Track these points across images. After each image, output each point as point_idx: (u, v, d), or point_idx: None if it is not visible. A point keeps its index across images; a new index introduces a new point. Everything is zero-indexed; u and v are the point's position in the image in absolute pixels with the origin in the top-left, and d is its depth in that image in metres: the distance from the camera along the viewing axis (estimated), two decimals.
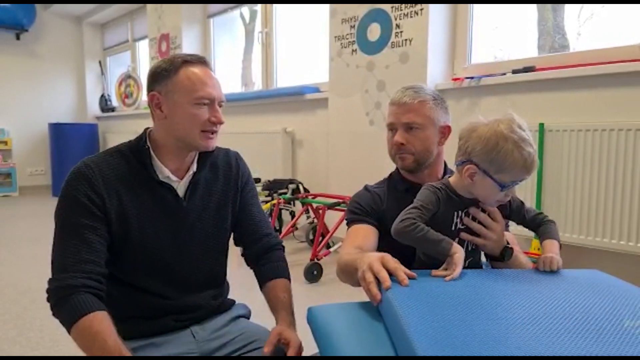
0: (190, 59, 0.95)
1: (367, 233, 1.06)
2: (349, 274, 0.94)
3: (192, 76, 0.93)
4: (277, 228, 3.24)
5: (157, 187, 0.96)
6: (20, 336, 1.81)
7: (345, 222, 1.16)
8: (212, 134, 0.96)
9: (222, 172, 1.06)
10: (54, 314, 0.86)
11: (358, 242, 1.04)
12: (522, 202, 0.98)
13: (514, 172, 0.83)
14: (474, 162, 0.86)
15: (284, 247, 1.12)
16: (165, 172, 0.96)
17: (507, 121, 0.84)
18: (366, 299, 0.89)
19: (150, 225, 0.95)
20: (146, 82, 0.97)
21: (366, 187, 1.17)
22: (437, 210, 0.90)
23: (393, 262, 0.81)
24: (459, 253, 0.83)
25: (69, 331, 0.84)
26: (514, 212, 0.96)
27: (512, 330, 0.63)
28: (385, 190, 1.14)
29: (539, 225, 0.95)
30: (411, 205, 0.90)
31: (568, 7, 2.35)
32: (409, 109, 1.06)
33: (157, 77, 0.94)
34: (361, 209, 1.11)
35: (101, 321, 0.82)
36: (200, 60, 0.95)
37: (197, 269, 1.01)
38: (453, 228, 0.91)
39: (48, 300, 0.86)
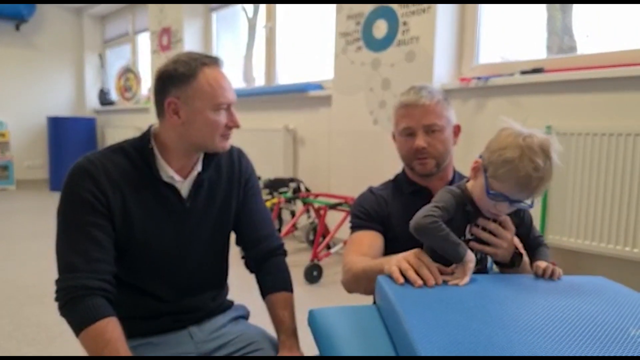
0: (207, 62, 0.91)
1: (372, 240, 1.04)
2: (370, 280, 0.91)
3: (213, 81, 0.90)
4: (278, 227, 3.21)
5: (160, 187, 0.94)
6: (16, 331, 1.80)
7: (349, 226, 1.13)
8: (229, 135, 0.96)
9: (225, 170, 1.03)
10: (62, 314, 0.84)
11: (364, 250, 1.02)
12: (531, 220, 0.96)
13: (505, 182, 0.79)
14: (482, 157, 0.84)
15: (285, 250, 1.09)
16: (169, 172, 0.94)
17: (535, 138, 0.79)
18: (367, 302, 0.87)
19: (153, 226, 0.93)
20: (157, 84, 0.92)
21: (370, 190, 1.14)
22: (452, 216, 0.88)
23: (428, 260, 0.81)
24: (472, 263, 0.82)
25: (77, 332, 0.82)
26: (524, 224, 0.94)
27: (516, 338, 0.63)
28: (390, 192, 1.12)
29: (537, 246, 0.93)
30: (433, 204, 0.87)
31: (576, 8, 2.33)
32: (428, 110, 1.02)
33: (174, 81, 0.89)
34: (366, 214, 1.08)
35: (114, 329, 0.81)
36: (216, 62, 0.93)
37: (197, 270, 1.00)
38: (463, 238, 0.89)
39: (57, 299, 0.84)
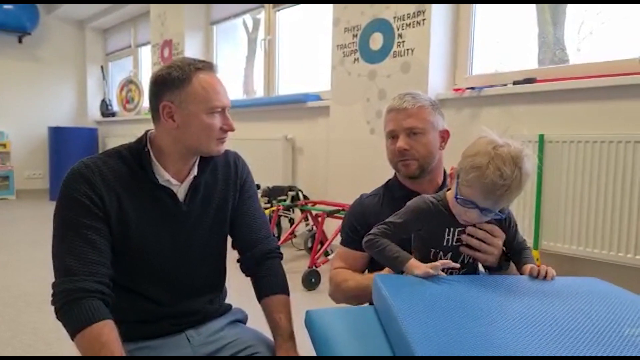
0: (201, 66, 0.92)
1: (357, 260, 1.11)
2: (359, 297, 0.97)
3: (206, 85, 0.91)
4: (276, 235, 3.23)
5: (156, 190, 0.94)
6: (13, 339, 1.80)
7: (340, 235, 1.17)
8: (224, 139, 0.97)
9: (222, 174, 1.04)
10: (58, 317, 0.84)
11: (349, 267, 1.11)
12: (516, 226, 0.97)
13: (471, 189, 0.80)
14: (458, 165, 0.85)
15: (281, 253, 1.09)
16: (165, 176, 0.94)
17: (507, 147, 0.79)
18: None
19: (150, 229, 0.93)
20: (152, 89, 0.93)
21: (361, 198, 1.17)
22: (422, 226, 0.89)
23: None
24: (418, 270, 0.82)
25: (73, 335, 0.81)
26: (510, 231, 0.95)
27: (513, 337, 0.63)
28: (382, 197, 1.14)
29: (522, 249, 0.95)
30: (383, 221, 0.91)
31: (568, 22, 2.38)
32: (410, 114, 1.07)
33: (169, 85, 0.90)
34: (355, 231, 1.11)
35: (110, 331, 0.81)
36: (210, 67, 0.94)
37: (195, 274, 1.00)
38: (445, 244, 0.90)
39: (53, 303, 0.84)
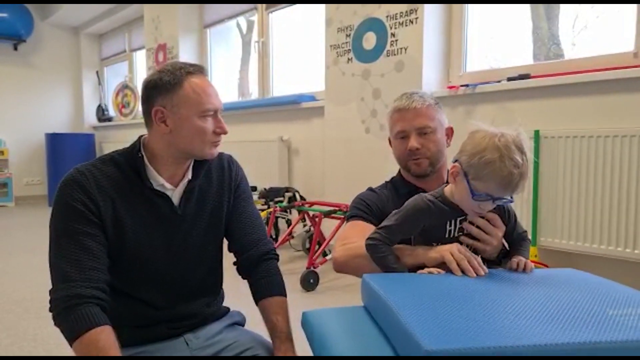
0: (192, 70, 0.93)
1: (366, 230, 1.04)
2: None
3: (197, 88, 0.91)
4: (274, 237, 3.23)
5: (151, 195, 0.94)
6: (13, 345, 1.80)
7: (347, 216, 1.15)
8: (217, 142, 0.97)
9: (216, 177, 1.04)
10: (56, 324, 0.84)
11: (359, 236, 1.02)
12: (515, 217, 0.99)
13: (489, 184, 0.83)
14: (459, 162, 0.86)
15: (277, 254, 1.09)
16: (159, 181, 0.95)
17: (508, 136, 0.83)
18: (361, 303, 0.89)
19: (145, 234, 0.94)
20: (144, 94, 0.94)
21: (371, 188, 1.17)
22: (423, 224, 0.91)
23: (471, 254, 0.87)
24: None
25: (71, 341, 0.82)
26: (509, 222, 0.96)
27: (508, 323, 0.64)
28: (388, 192, 1.15)
29: (522, 240, 0.96)
30: (383, 224, 0.92)
31: (562, 17, 2.39)
32: (420, 113, 1.07)
33: (160, 90, 0.91)
34: (366, 207, 1.11)
35: (108, 337, 0.81)
36: (200, 70, 0.95)
37: (191, 277, 1.01)
38: (447, 236, 0.92)
39: (51, 310, 0.84)
